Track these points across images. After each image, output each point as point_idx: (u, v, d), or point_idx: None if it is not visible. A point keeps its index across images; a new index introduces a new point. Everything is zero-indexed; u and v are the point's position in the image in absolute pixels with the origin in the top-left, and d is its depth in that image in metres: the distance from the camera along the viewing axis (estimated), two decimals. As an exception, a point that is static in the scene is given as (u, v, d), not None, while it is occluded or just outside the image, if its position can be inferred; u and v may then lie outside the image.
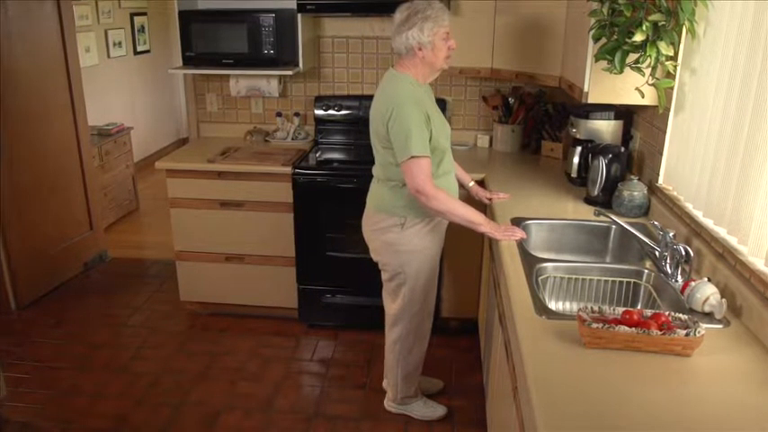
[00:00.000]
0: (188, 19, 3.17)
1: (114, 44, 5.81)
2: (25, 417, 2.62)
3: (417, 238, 2.30)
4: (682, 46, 2.03)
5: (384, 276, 2.45)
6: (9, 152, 3.38)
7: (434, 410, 2.62)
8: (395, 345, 2.50)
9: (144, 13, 6.29)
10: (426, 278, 2.38)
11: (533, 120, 3.32)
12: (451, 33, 2.17)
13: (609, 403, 1.23)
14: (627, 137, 2.60)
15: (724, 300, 1.55)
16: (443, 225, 2.39)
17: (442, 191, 2.16)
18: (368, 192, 2.41)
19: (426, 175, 2.10)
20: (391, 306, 2.47)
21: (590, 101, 2.25)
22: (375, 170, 2.36)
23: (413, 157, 2.08)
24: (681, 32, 1.98)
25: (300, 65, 3.23)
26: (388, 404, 2.65)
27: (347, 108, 3.41)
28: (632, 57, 2.01)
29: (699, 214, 1.87)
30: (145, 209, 5.24)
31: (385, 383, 2.70)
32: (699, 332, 1.37)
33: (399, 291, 2.40)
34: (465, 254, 3.02)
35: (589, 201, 2.46)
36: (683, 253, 1.73)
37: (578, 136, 2.64)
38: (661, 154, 2.21)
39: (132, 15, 6.10)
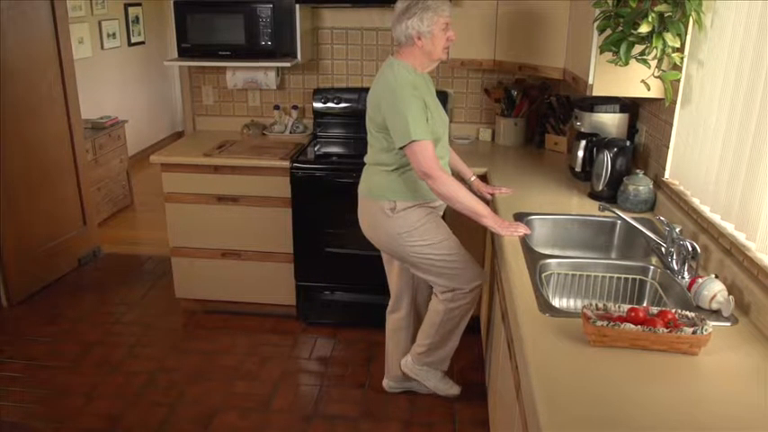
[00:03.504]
0: (183, 9, 3.12)
1: (108, 35, 5.76)
2: (16, 416, 2.58)
3: (414, 216, 2.27)
4: (688, 37, 2.02)
5: (415, 271, 2.38)
6: (0, 146, 3.33)
7: (449, 387, 2.58)
8: (448, 312, 2.39)
9: (138, 4, 6.24)
10: (446, 239, 2.31)
11: (537, 113, 3.28)
12: (451, 24, 2.20)
13: (614, 402, 1.21)
14: (632, 130, 2.58)
15: (731, 297, 1.53)
16: (439, 213, 2.37)
17: (449, 175, 2.17)
18: None
19: (431, 157, 2.11)
20: (438, 284, 2.38)
21: (594, 93, 2.24)
22: (367, 156, 2.36)
23: (414, 141, 2.08)
24: (687, 23, 1.97)
25: (299, 56, 3.19)
26: (405, 364, 2.53)
27: (346, 101, 3.37)
28: (638, 48, 2.01)
29: (706, 209, 1.85)
30: (139, 204, 5.20)
31: (385, 383, 2.69)
32: (706, 330, 1.35)
33: (440, 271, 2.32)
34: (466, 250, 2.97)
35: (594, 195, 2.43)
36: (690, 249, 1.71)
37: (583, 129, 2.62)
38: (667, 148, 2.19)
39: (126, 6, 6.04)
